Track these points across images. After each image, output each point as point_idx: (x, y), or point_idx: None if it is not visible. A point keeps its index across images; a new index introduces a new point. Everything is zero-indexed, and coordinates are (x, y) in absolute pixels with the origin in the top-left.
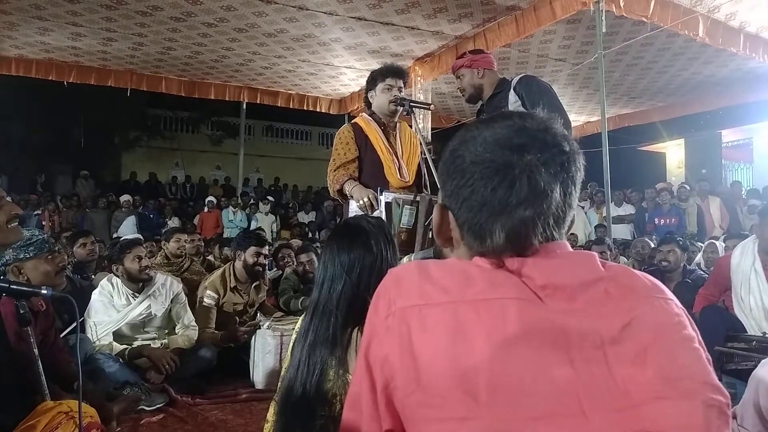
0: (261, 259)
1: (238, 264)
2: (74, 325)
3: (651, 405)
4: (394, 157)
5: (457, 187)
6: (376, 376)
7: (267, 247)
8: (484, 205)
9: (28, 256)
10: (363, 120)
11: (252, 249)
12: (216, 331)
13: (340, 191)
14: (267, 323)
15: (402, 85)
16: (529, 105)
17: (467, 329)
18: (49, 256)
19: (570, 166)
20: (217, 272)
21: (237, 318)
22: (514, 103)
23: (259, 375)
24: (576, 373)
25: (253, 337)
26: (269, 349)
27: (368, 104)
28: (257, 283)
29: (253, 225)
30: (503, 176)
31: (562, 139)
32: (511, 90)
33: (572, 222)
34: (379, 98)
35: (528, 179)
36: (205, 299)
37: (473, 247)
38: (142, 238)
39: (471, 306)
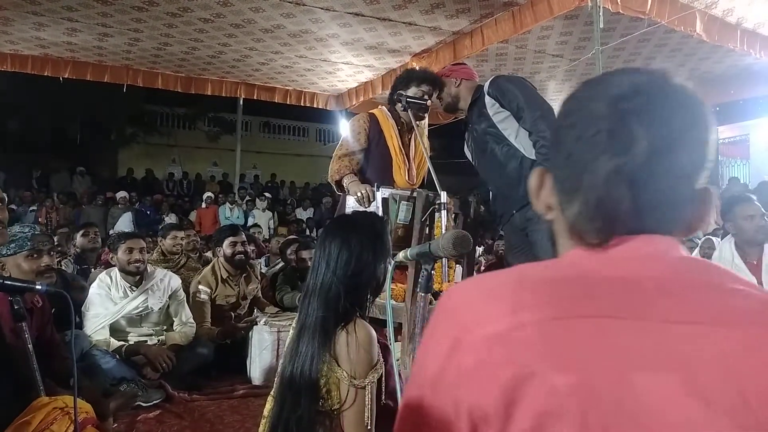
0: (239, 248)
1: (222, 258)
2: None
3: None
4: (406, 158)
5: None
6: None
7: (243, 235)
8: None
9: (9, 252)
10: (381, 113)
11: (227, 240)
12: (213, 327)
13: (339, 182)
14: (264, 319)
15: (433, 94)
16: (506, 105)
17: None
18: (34, 255)
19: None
20: (207, 267)
21: (232, 314)
22: (492, 107)
23: (256, 371)
24: (702, 404)
25: (250, 333)
26: (266, 345)
27: (392, 101)
28: (246, 273)
29: (250, 221)
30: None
31: None
32: (486, 95)
33: None
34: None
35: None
36: (199, 294)
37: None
38: (143, 234)
39: (563, 324)
